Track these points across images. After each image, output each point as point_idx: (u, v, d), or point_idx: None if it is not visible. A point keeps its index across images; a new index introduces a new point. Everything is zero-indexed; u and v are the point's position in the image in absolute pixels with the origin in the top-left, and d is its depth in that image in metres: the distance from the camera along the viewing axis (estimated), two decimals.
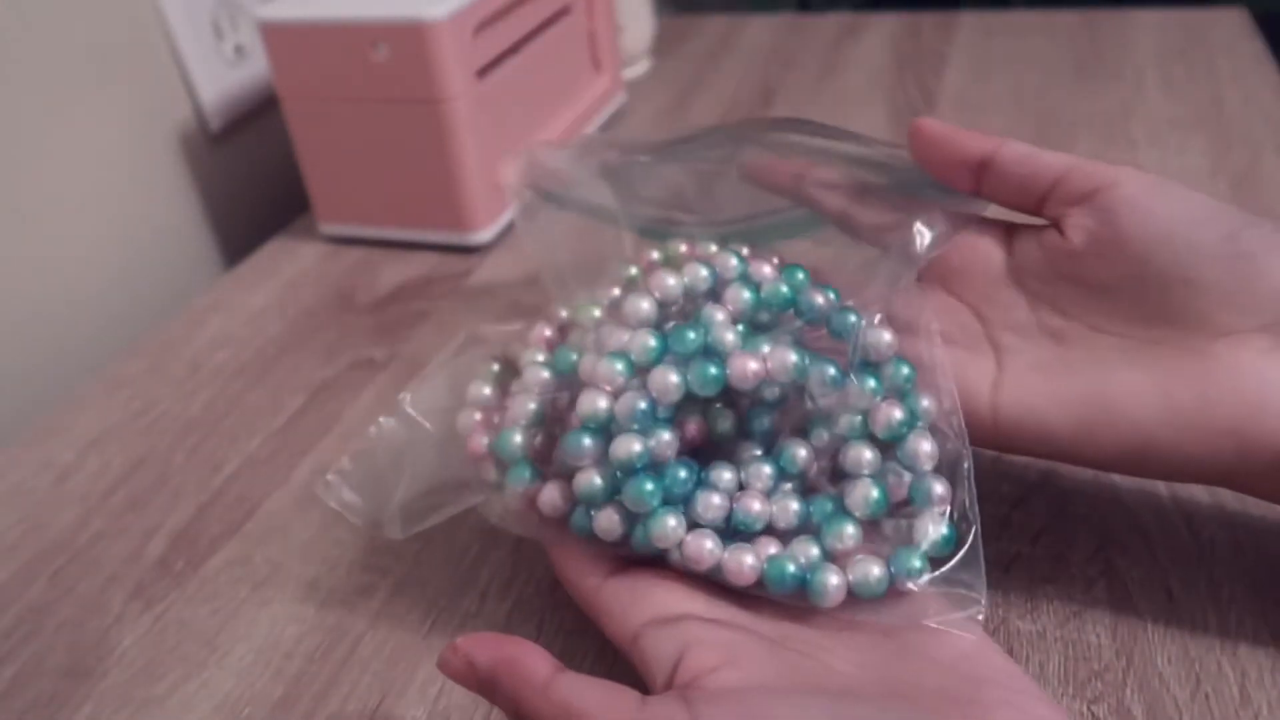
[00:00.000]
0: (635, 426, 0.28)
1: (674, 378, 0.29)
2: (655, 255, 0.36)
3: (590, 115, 0.68)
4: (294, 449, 0.44)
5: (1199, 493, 0.36)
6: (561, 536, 0.30)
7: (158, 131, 0.61)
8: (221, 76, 0.64)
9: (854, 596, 0.28)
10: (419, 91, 0.53)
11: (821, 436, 0.30)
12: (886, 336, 0.30)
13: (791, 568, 0.28)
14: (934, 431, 0.30)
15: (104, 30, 0.57)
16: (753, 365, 0.29)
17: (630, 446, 0.28)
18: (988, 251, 0.33)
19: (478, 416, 0.33)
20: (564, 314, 0.36)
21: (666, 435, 0.29)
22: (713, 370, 0.29)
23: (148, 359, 0.52)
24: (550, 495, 0.30)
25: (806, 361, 0.29)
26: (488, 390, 0.34)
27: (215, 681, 0.34)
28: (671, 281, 0.31)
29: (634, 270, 0.36)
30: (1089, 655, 0.31)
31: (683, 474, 0.29)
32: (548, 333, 0.35)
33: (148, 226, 0.61)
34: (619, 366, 0.29)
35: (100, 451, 0.45)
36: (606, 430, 0.29)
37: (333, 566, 0.37)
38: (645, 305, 0.31)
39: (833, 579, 0.28)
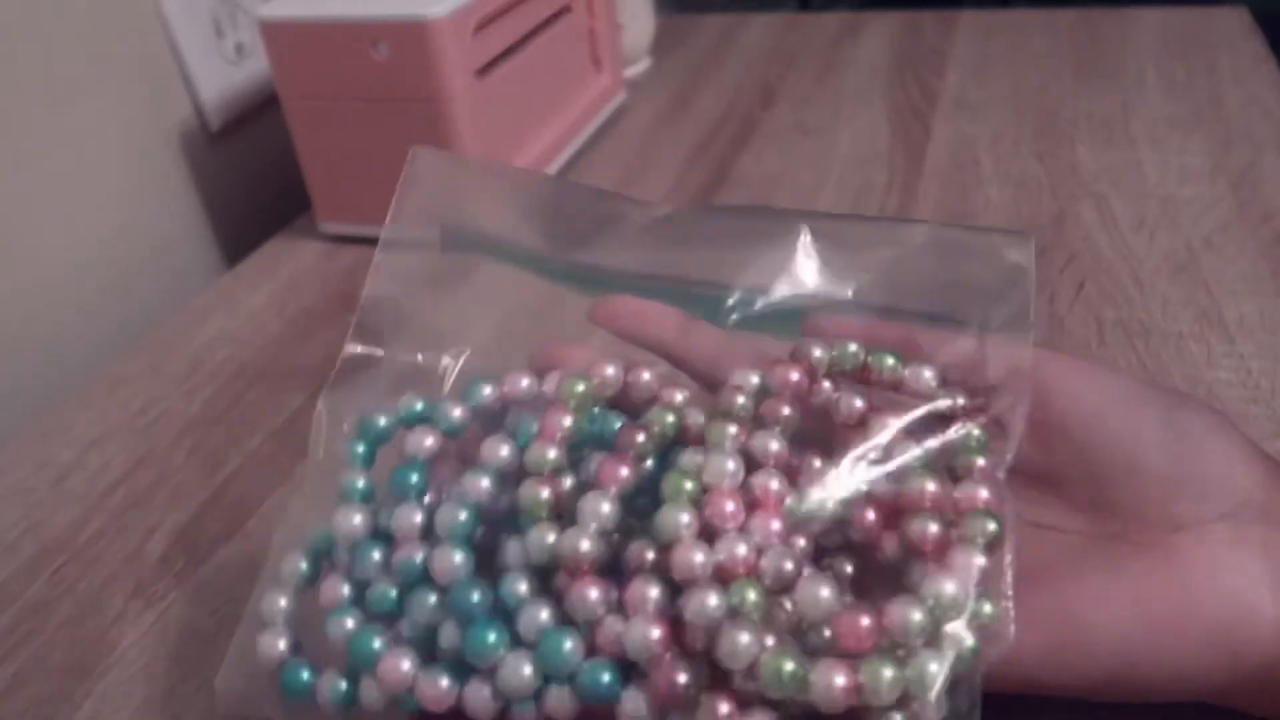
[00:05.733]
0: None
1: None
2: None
3: (590, 114, 0.68)
4: (294, 448, 0.44)
5: None
6: None
7: (158, 131, 0.61)
8: (222, 75, 0.64)
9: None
10: (419, 90, 0.53)
11: None
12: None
13: None
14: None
15: (104, 29, 0.57)
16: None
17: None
18: None
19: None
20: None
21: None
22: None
23: (148, 358, 0.52)
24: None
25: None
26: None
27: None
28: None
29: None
30: None
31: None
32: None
33: (148, 225, 0.61)
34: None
35: (100, 450, 0.45)
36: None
37: None
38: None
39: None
